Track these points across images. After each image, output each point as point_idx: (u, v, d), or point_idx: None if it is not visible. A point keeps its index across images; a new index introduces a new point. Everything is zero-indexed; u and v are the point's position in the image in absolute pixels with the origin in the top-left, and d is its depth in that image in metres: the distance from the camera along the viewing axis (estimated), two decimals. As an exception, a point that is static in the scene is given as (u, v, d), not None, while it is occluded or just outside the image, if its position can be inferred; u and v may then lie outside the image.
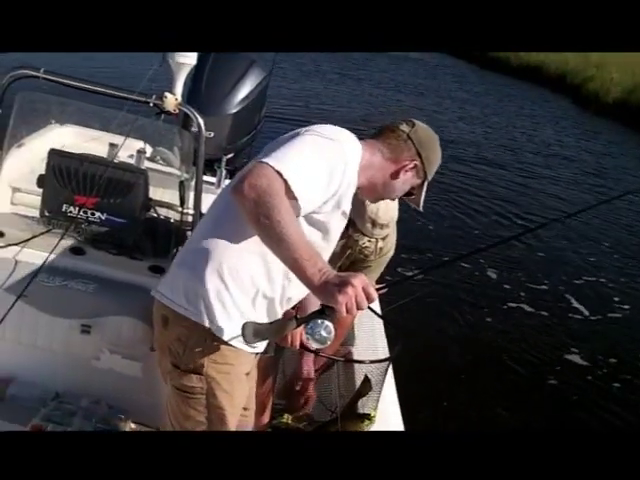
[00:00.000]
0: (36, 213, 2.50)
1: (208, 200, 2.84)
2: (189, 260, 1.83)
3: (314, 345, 1.56)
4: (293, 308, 1.92)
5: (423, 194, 1.99)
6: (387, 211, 2.35)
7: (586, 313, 5.91)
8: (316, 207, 1.68)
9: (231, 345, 1.77)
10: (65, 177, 2.44)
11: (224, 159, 3.58)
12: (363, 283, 1.45)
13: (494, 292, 6.02)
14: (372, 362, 2.23)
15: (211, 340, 1.76)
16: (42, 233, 2.44)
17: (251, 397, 2.09)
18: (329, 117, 11.50)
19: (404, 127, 1.91)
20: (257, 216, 1.50)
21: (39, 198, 2.49)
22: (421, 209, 2.01)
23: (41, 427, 2.21)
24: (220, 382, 1.79)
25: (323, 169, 1.66)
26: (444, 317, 5.39)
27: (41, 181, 2.47)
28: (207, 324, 1.75)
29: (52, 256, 2.24)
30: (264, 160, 1.59)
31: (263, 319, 1.79)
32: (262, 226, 1.50)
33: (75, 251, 2.44)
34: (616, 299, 6.29)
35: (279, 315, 1.85)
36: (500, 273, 6.38)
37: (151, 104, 2.47)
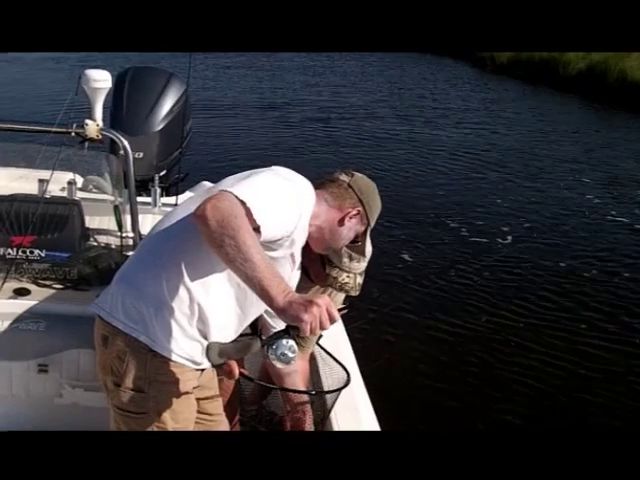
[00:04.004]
0: (-27, 260, 2.45)
1: (147, 220, 2.84)
2: (129, 276, 1.81)
3: (278, 365, 1.55)
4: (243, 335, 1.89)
5: (368, 240, 2.06)
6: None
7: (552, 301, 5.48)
8: (274, 239, 1.70)
9: (173, 361, 1.75)
10: (-2, 220, 2.41)
11: (157, 177, 3.57)
12: (327, 304, 1.48)
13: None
14: (317, 393, 2.18)
15: (152, 357, 1.74)
16: (-17, 280, 2.40)
17: (214, 403, 2.06)
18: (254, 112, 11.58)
19: (343, 177, 2.01)
20: (221, 237, 1.50)
21: (-26, 245, 2.45)
22: (367, 257, 2.08)
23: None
24: (163, 399, 1.77)
25: (282, 204, 1.70)
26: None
27: (-26, 227, 2.44)
28: (147, 340, 1.73)
29: None
30: (226, 189, 1.60)
31: (202, 340, 1.78)
32: (227, 246, 1.50)
33: (20, 292, 2.41)
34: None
35: (214, 338, 1.80)
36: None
37: (72, 134, 2.46)
